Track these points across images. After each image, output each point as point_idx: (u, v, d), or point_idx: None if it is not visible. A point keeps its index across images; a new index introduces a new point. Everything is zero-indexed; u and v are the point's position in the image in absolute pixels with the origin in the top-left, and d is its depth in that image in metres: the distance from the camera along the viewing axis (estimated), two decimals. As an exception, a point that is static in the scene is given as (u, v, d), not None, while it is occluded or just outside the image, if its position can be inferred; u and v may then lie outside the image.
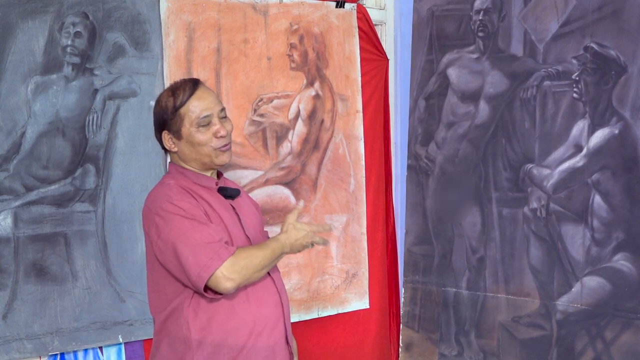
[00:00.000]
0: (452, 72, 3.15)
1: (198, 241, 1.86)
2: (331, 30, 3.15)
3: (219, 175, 2.11)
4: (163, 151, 2.67)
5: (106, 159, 2.61)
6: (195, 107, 1.97)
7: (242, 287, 1.94)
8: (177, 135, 1.98)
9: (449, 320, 3.13)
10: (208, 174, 2.05)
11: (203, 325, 1.92)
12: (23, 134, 2.47)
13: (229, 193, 2.05)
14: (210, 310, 1.92)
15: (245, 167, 2.92)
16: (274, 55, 3.00)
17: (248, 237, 2.03)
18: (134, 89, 2.66)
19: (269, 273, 2.02)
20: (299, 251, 2.03)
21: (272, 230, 2.95)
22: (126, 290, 2.62)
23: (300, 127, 3.08)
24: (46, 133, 2.51)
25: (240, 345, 1.93)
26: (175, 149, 2.00)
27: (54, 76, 2.52)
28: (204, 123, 1.97)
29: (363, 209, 3.26)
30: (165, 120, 1.98)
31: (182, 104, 1.97)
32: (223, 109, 2.02)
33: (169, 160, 2.12)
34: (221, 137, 1.98)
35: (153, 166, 2.69)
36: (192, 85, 2.00)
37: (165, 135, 2.00)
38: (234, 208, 2.04)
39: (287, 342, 2.05)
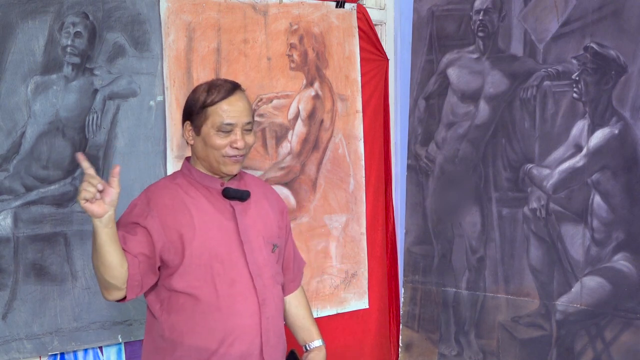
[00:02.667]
0: (452, 72, 3.15)
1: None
2: (331, 30, 3.15)
3: (239, 173, 2.09)
4: (163, 152, 2.70)
5: (106, 159, 2.61)
6: (223, 111, 1.96)
7: (215, 295, 1.94)
8: (197, 130, 1.98)
9: (449, 320, 3.13)
10: (216, 175, 2.03)
11: (175, 327, 1.94)
12: (23, 134, 2.47)
13: (232, 195, 2.02)
14: (182, 313, 1.93)
15: (245, 167, 2.91)
16: (274, 55, 3.00)
17: (242, 241, 2.00)
18: (134, 89, 2.66)
19: (253, 284, 1.99)
20: (89, 214, 1.79)
21: (272, 230, 2.96)
22: (126, 291, 2.62)
23: (299, 127, 3.08)
24: (46, 133, 2.50)
25: (211, 352, 1.93)
26: (192, 142, 2.01)
27: (54, 76, 2.52)
28: (225, 130, 1.96)
29: (362, 209, 3.26)
30: (192, 112, 1.99)
31: (212, 103, 1.96)
32: (250, 122, 2.00)
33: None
34: (236, 148, 1.97)
35: (153, 166, 2.69)
36: (230, 88, 1.99)
37: (187, 126, 2.01)
38: (234, 211, 2.02)
39: (262, 355, 1.99)
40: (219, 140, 1.96)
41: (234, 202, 2.02)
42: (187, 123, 2.00)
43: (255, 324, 1.98)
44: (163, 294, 1.97)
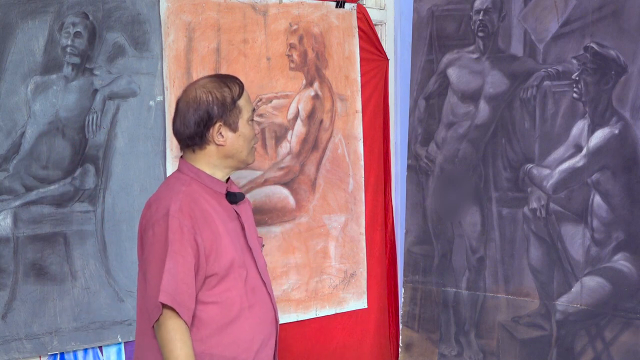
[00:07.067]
0: (452, 72, 3.15)
1: (179, 273, 1.82)
2: (331, 30, 3.15)
3: (227, 179, 2.06)
4: (162, 152, 2.70)
5: (106, 159, 2.61)
6: (247, 102, 1.96)
7: (247, 303, 1.91)
8: (234, 127, 1.93)
9: (449, 320, 3.13)
10: (224, 178, 2.00)
11: (203, 340, 1.89)
12: (23, 134, 2.47)
13: (237, 199, 2.00)
14: (211, 325, 1.90)
15: (244, 167, 2.92)
16: (274, 55, 3.00)
17: (250, 248, 1.99)
18: (134, 89, 2.66)
19: (266, 288, 1.99)
20: None
21: (271, 231, 2.96)
22: (125, 290, 2.62)
23: (299, 127, 3.08)
24: (46, 133, 2.51)
25: None
26: (223, 144, 1.93)
27: (54, 76, 2.52)
28: (253, 118, 1.97)
29: (362, 209, 3.26)
30: (224, 111, 1.91)
31: (240, 96, 1.94)
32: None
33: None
34: (257, 134, 2.01)
35: (152, 166, 2.69)
36: (238, 80, 1.98)
37: (217, 128, 1.92)
38: (238, 216, 2.00)
39: (274, 357, 2.04)
40: (252, 131, 1.97)
41: (234, 206, 2.01)
42: (218, 124, 1.92)
43: (274, 329, 2.00)
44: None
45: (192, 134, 1.94)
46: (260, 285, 1.99)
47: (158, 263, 1.82)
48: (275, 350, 2.03)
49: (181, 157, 2.02)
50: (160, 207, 1.88)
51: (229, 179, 2.05)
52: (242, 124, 1.95)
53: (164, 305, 1.80)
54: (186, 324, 1.82)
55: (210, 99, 1.93)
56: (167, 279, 1.80)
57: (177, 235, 1.83)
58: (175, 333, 1.80)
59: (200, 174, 1.97)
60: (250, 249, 1.99)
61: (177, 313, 1.80)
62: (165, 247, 1.82)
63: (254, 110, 1.98)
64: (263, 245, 2.13)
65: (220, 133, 1.93)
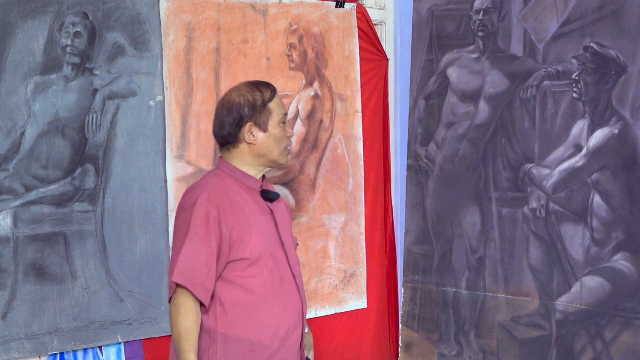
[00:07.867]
0: (452, 72, 3.15)
1: (200, 256, 1.97)
2: (331, 30, 3.15)
3: (263, 178, 2.20)
4: (162, 152, 2.70)
5: (106, 159, 2.61)
6: (279, 105, 2.13)
7: (271, 291, 2.04)
8: (264, 127, 2.09)
9: (449, 320, 3.13)
10: (258, 176, 2.14)
11: (230, 322, 2.02)
12: (23, 134, 2.47)
13: (271, 196, 2.15)
14: (239, 308, 2.02)
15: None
16: (274, 55, 3.00)
17: (282, 242, 2.11)
18: (134, 89, 2.66)
19: (295, 281, 2.11)
20: None
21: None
22: (125, 290, 2.62)
23: (299, 127, 3.08)
24: (46, 133, 2.51)
25: (263, 346, 2.02)
26: (254, 142, 2.10)
27: (54, 76, 2.52)
28: (284, 120, 2.12)
29: (362, 209, 3.26)
30: (254, 112, 2.09)
31: (271, 100, 2.11)
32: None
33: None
34: (290, 137, 2.16)
35: (152, 166, 2.69)
36: (272, 86, 2.16)
37: (248, 127, 2.09)
38: (272, 212, 2.13)
39: (301, 349, 2.14)
40: (283, 133, 2.12)
41: (268, 203, 2.14)
42: (249, 125, 2.09)
43: (300, 319, 2.11)
44: (218, 288, 2.03)
45: (226, 134, 2.12)
46: (289, 277, 2.10)
47: (179, 246, 1.99)
48: (302, 340, 2.13)
49: (220, 157, 2.19)
50: (192, 197, 2.05)
51: (264, 177, 2.20)
52: (273, 125, 2.10)
53: (179, 285, 1.96)
54: (199, 301, 1.97)
55: (242, 101, 2.11)
56: (183, 260, 1.97)
57: (202, 222, 1.99)
58: (181, 307, 1.96)
59: (235, 171, 2.12)
60: (282, 243, 2.11)
61: (190, 292, 1.95)
62: (187, 233, 1.99)
63: (285, 114, 2.14)
64: (297, 245, 2.27)
65: (251, 133, 2.10)
